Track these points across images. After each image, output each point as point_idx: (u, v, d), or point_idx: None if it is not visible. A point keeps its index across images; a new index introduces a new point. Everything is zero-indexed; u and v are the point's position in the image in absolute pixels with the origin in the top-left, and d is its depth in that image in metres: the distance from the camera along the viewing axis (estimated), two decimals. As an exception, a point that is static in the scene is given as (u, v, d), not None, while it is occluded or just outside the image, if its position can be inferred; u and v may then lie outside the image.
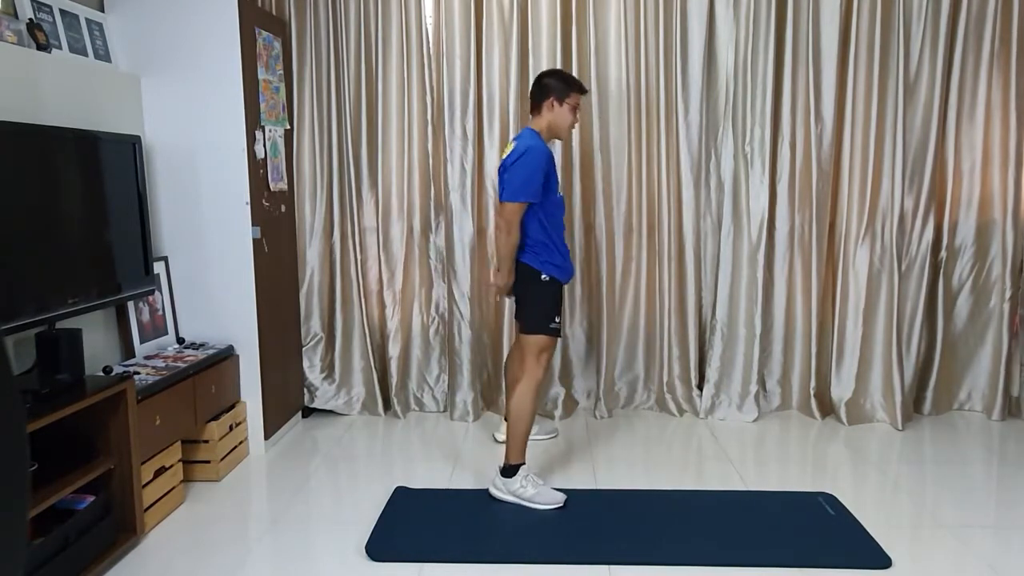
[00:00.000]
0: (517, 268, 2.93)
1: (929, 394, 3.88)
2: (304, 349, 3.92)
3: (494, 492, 2.90)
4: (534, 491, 2.84)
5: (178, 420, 2.89)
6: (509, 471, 2.88)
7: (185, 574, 2.43)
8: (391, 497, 2.93)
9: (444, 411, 3.99)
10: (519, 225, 2.85)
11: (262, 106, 3.41)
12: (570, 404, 3.97)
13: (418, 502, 2.90)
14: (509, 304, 3.75)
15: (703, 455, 3.40)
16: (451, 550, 2.53)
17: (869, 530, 2.62)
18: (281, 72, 3.63)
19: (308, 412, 3.97)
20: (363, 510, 2.84)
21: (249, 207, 3.28)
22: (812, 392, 3.84)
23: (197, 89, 3.22)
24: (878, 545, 2.51)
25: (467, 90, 3.75)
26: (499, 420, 3.74)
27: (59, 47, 2.86)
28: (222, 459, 3.15)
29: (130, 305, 3.10)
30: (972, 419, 3.82)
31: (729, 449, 3.45)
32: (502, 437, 3.33)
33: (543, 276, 2.89)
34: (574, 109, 2.97)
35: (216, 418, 3.15)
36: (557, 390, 3.94)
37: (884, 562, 2.42)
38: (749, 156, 3.76)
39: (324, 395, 3.94)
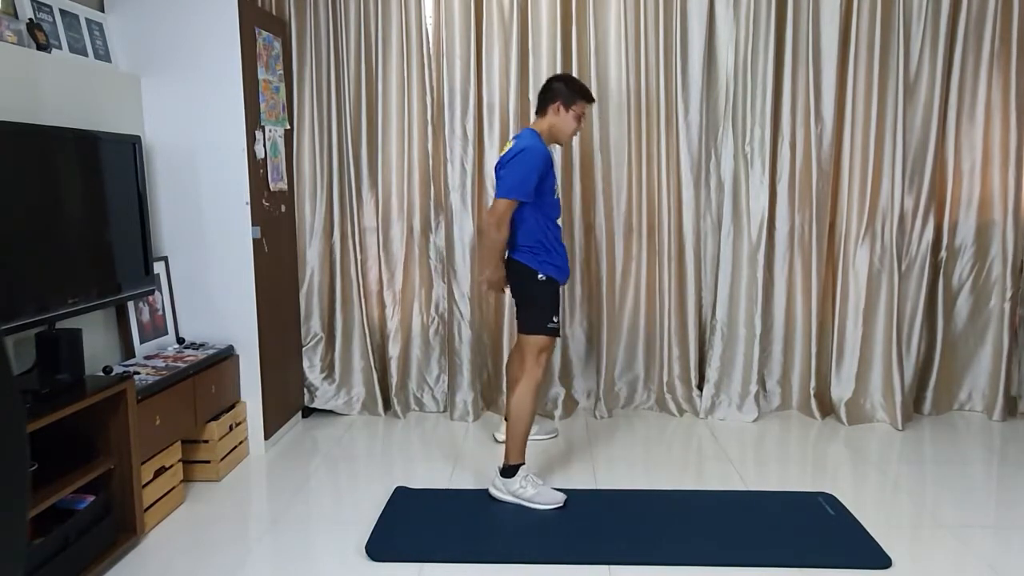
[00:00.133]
0: (514, 268, 2.93)
1: (929, 394, 3.88)
2: (304, 349, 3.92)
3: (494, 492, 2.90)
4: (534, 491, 2.84)
5: (178, 420, 2.89)
6: (509, 471, 2.88)
7: (185, 574, 2.43)
8: (391, 497, 2.93)
9: (444, 411, 3.99)
10: (510, 223, 2.85)
11: (262, 106, 3.41)
12: (570, 404, 3.97)
13: (418, 502, 2.90)
14: (509, 304, 3.75)
15: (703, 455, 3.40)
16: (451, 550, 2.53)
17: (869, 530, 2.62)
18: (281, 72, 3.63)
19: (308, 412, 3.97)
20: (363, 510, 2.84)
21: (249, 207, 3.28)
22: (812, 392, 3.84)
23: (197, 89, 3.22)
24: (878, 545, 2.51)
25: (467, 90, 3.75)
26: (499, 420, 3.74)
27: (59, 47, 2.86)
28: (222, 459, 3.15)
29: (130, 305, 3.10)
30: (972, 419, 3.82)
31: (729, 449, 3.45)
32: (502, 437, 3.32)
33: (540, 276, 2.89)
34: (579, 117, 2.96)
35: (216, 418, 3.15)
36: (557, 390, 3.94)
37: (884, 562, 2.42)
38: (749, 156, 3.76)
39: (324, 395, 3.94)
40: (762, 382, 3.90)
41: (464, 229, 3.79)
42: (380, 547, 2.54)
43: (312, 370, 3.93)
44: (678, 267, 3.86)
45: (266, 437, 3.45)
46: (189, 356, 3.11)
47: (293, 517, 2.82)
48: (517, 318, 3.03)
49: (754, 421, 3.80)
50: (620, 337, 3.96)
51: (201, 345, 3.29)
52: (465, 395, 3.87)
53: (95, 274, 2.69)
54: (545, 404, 3.92)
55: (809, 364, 3.84)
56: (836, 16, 3.62)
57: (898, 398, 3.70)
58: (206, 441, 3.10)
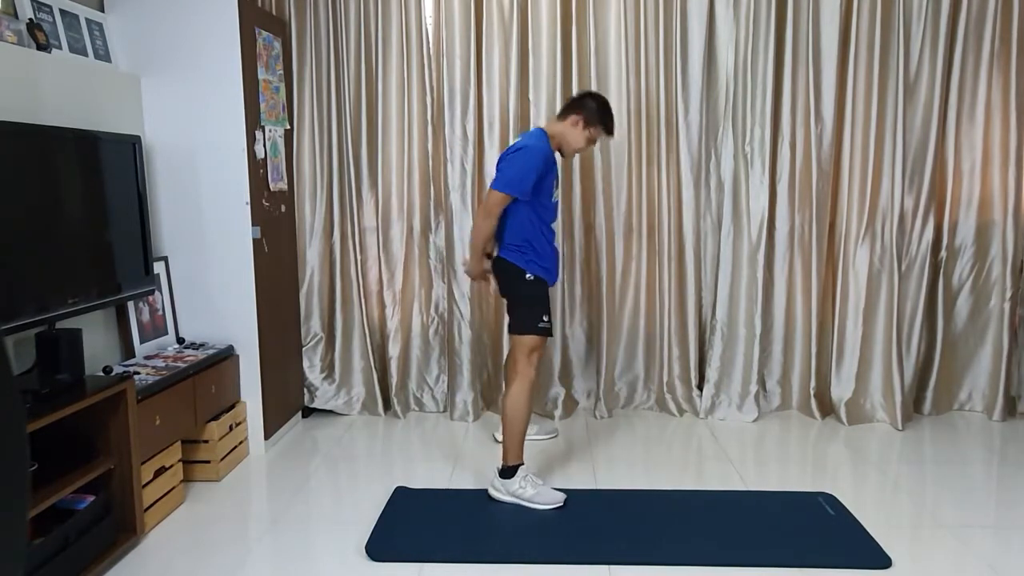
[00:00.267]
0: (502, 266, 2.92)
1: (929, 394, 3.88)
2: (304, 349, 3.92)
3: (493, 494, 2.90)
4: (534, 491, 2.84)
5: (178, 420, 2.89)
6: (507, 472, 2.87)
7: (185, 574, 2.43)
8: (391, 497, 2.93)
9: (444, 411, 3.99)
10: (502, 218, 2.85)
11: (262, 106, 3.41)
12: (570, 404, 3.97)
13: (418, 502, 2.90)
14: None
15: (703, 455, 3.40)
16: (451, 550, 2.53)
17: (869, 530, 2.61)
18: (281, 72, 3.63)
19: (308, 412, 3.97)
20: (363, 510, 2.84)
21: (249, 207, 3.28)
22: (812, 392, 3.84)
23: (197, 89, 3.22)
24: (878, 545, 2.51)
25: (467, 90, 3.75)
26: (499, 420, 3.73)
27: (59, 47, 2.86)
28: (222, 459, 3.15)
29: (130, 305, 3.10)
30: (972, 419, 3.82)
31: (729, 449, 3.45)
32: (502, 437, 3.32)
33: (528, 275, 2.87)
34: (591, 140, 2.96)
35: (216, 418, 3.15)
36: (557, 390, 3.94)
37: (884, 562, 2.42)
38: (749, 156, 3.76)
39: (324, 395, 3.94)
40: (762, 382, 3.90)
41: (464, 229, 3.79)
42: (380, 547, 2.54)
43: (312, 370, 3.93)
44: (678, 267, 3.86)
45: (266, 437, 3.45)
46: (189, 356, 3.11)
47: (293, 517, 2.82)
48: (508, 317, 3.02)
49: (754, 421, 3.80)
50: (620, 337, 3.96)
51: (201, 345, 3.29)
52: (465, 395, 3.87)
53: (95, 274, 2.68)
54: (545, 404, 3.92)
55: (809, 364, 3.84)
56: (836, 16, 3.62)
57: (898, 398, 3.70)
58: (206, 441, 3.10)
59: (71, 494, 2.36)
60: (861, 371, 3.80)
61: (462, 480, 3.13)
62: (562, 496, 2.85)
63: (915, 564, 2.43)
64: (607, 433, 3.67)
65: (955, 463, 3.28)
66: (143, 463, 2.64)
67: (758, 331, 3.81)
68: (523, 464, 2.90)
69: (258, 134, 3.37)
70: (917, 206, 3.73)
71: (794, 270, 3.84)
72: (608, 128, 2.96)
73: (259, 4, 3.65)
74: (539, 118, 3.75)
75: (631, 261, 3.91)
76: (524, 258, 2.88)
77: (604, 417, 3.87)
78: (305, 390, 3.93)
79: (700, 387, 3.92)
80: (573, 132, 2.93)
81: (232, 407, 3.29)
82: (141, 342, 3.15)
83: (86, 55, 3.02)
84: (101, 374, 2.55)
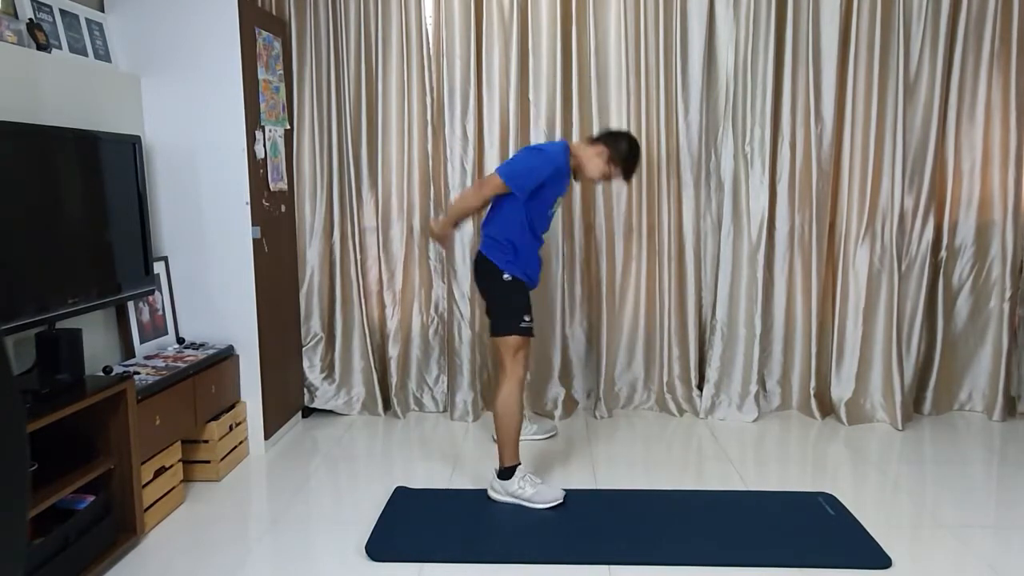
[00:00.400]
0: (482, 266, 2.92)
1: (929, 394, 3.88)
2: (304, 349, 3.92)
3: (492, 495, 2.90)
4: (533, 491, 2.84)
5: (178, 420, 2.89)
6: (505, 473, 2.87)
7: (185, 574, 2.43)
8: (391, 497, 2.93)
9: (444, 411, 3.99)
10: (492, 211, 2.86)
11: (262, 106, 3.41)
12: (570, 404, 3.97)
13: (418, 502, 2.90)
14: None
15: (703, 455, 3.40)
16: (451, 550, 2.53)
17: (869, 530, 2.61)
18: (281, 72, 3.63)
19: (308, 412, 3.97)
20: (363, 510, 2.84)
21: (249, 207, 3.28)
22: (812, 392, 3.84)
23: (197, 89, 3.22)
24: (878, 545, 2.51)
25: (467, 90, 3.75)
26: (499, 420, 3.74)
27: (59, 47, 2.86)
28: (222, 459, 3.15)
29: (130, 305, 3.10)
30: (972, 419, 3.82)
31: (729, 449, 3.45)
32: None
33: (505, 276, 2.86)
34: (606, 176, 2.97)
35: (216, 418, 3.15)
36: (557, 390, 3.94)
37: (884, 562, 2.42)
38: (749, 156, 3.76)
39: (324, 395, 3.94)
40: (762, 382, 3.90)
41: (464, 229, 3.78)
42: (380, 547, 2.54)
43: (312, 370, 3.93)
44: (678, 267, 3.86)
45: (266, 437, 3.45)
46: (189, 356, 3.11)
47: (293, 517, 2.82)
48: (488, 319, 2.98)
49: (754, 421, 3.80)
50: (620, 337, 3.96)
51: (201, 345, 3.29)
52: (465, 395, 3.87)
53: (95, 274, 2.68)
54: (545, 404, 3.92)
55: (809, 364, 3.84)
56: (836, 16, 3.62)
57: (898, 398, 3.70)
58: (206, 441, 3.10)
59: (71, 494, 2.36)
60: (861, 371, 3.80)
61: (462, 480, 3.13)
62: (562, 493, 2.85)
63: (915, 564, 2.43)
64: (607, 433, 3.67)
65: (955, 463, 3.28)
66: (143, 463, 2.64)
67: (758, 331, 3.81)
68: (520, 464, 2.89)
69: (258, 134, 3.37)
70: (917, 206, 3.73)
71: (794, 270, 3.84)
72: (627, 173, 2.96)
73: (259, 4, 3.65)
74: (539, 118, 3.75)
75: (631, 261, 3.91)
76: (504, 258, 2.87)
77: (604, 417, 3.87)
78: (305, 390, 3.93)
79: (700, 387, 3.92)
80: (594, 160, 2.93)
81: (232, 407, 3.29)
82: (141, 342, 3.15)
83: (86, 55, 3.02)
84: (101, 374, 2.55)
